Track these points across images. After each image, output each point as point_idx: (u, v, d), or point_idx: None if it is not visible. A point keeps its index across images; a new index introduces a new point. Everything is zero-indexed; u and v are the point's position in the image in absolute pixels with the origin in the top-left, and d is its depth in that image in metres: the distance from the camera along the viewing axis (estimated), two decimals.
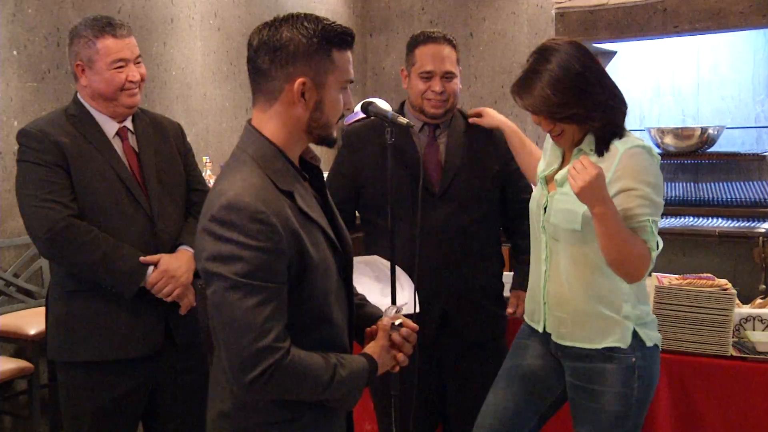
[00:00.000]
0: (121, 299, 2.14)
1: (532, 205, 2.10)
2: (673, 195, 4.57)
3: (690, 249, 4.12)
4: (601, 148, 1.93)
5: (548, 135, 2.06)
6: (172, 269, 2.15)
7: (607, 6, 4.37)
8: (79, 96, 2.22)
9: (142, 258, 2.13)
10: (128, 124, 2.25)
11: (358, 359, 1.55)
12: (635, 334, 1.96)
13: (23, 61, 3.49)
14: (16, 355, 3.28)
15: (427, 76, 2.33)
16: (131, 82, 2.16)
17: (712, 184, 4.52)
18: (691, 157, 4.47)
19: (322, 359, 1.47)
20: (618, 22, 4.41)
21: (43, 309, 3.36)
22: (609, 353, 1.95)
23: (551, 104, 1.88)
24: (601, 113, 1.90)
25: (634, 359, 1.95)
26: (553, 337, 2.03)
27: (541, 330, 2.07)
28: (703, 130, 4.35)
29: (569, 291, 1.98)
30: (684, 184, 4.59)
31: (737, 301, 2.40)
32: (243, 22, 4.70)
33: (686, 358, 2.35)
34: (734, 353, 2.33)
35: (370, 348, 1.61)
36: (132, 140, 2.24)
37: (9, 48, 3.43)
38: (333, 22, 1.50)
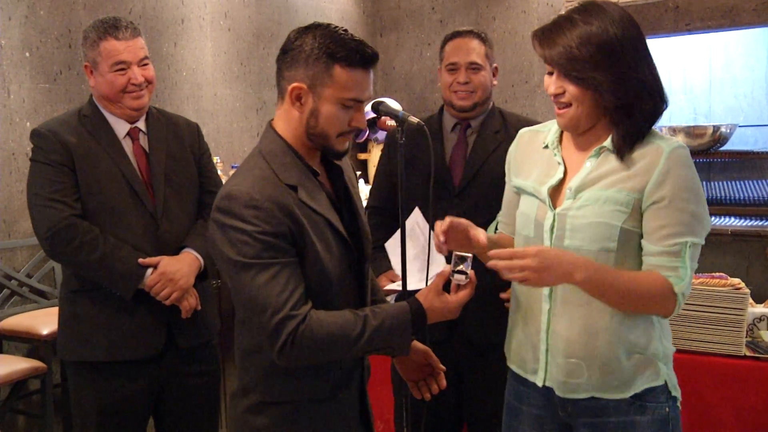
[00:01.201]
0: (123, 300, 2.14)
1: (526, 229, 1.68)
2: None
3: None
4: (629, 145, 1.58)
5: (516, 142, 1.80)
6: (170, 272, 2.13)
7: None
8: (93, 97, 2.23)
9: (141, 260, 2.12)
10: (140, 124, 2.25)
11: (397, 304, 1.57)
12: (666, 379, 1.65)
13: (35, 63, 3.51)
14: (30, 355, 3.30)
15: (453, 68, 2.37)
16: (134, 84, 2.15)
17: (725, 183, 4.49)
18: (703, 155, 4.43)
19: (351, 314, 1.52)
20: None
21: (55, 309, 3.39)
22: (640, 402, 1.61)
23: (572, 58, 1.55)
24: (626, 92, 1.56)
25: (667, 409, 1.63)
26: (559, 392, 1.65)
27: (540, 384, 1.67)
28: (716, 128, 4.32)
29: (585, 331, 1.60)
30: None
31: (750, 300, 2.39)
32: (253, 23, 4.71)
33: (699, 358, 2.34)
34: (747, 353, 2.32)
35: (420, 293, 1.60)
36: (143, 141, 2.24)
37: (21, 50, 3.45)
38: (351, 40, 1.52)
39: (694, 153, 4.41)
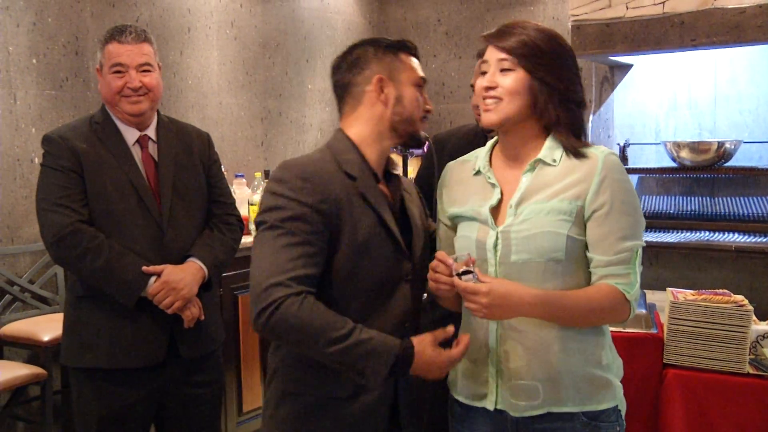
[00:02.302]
0: (126, 308, 2.13)
1: (466, 251, 1.59)
2: (689, 209, 4.53)
3: (706, 264, 4.08)
4: (568, 150, 1.58)
5: (443, 176, 1.75)
6: (173, 281, 2.13)
7: (624, 19, 4.36)
8: (104, 104, 2.25)
9: (144, 268, 2.12)
10: (150, 132, 2.25)
11: (388, 337, 1.53)
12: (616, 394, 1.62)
13: (42, 70, 3.52)
14: (30, 361, 3.29)
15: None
16: (130, 88, 2.16)
17: (729, 199, 4.48)
18: (707, 171, 4.42)
19: (342, 319, 1.50)
20: (635, 36, 4.39)
21: (57, 315, 3.40)
22: (594, 422, 1.57)
23: (529, 44, 1.56)
24: (564, 93, 1.57)
25: (618, 428, 1.61)
26: (513, 413, 1.59)
27: (492, 407, 1.61)
28: (720, 144, 4.31)
29: (535, 349, 1.55)
30: (700, 199, 4.55)
31: (754, 317, 2.38)
32: (259, 32, 4.73)
33: (702, 375, 2.32)
34: (751, 371, 2.30)
35: (417, 336, 1.57)
36: (152, 149, 2.25)
37: (28, 56, 3.47)
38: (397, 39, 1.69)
39: (699, 168, 4.41)
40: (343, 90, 1.68)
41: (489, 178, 1.65)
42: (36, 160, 3.46)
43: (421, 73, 1.69)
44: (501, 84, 1.58)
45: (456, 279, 1.50)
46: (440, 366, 1.55)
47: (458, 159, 1.78)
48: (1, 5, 3.35)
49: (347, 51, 1.69)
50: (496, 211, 1.61)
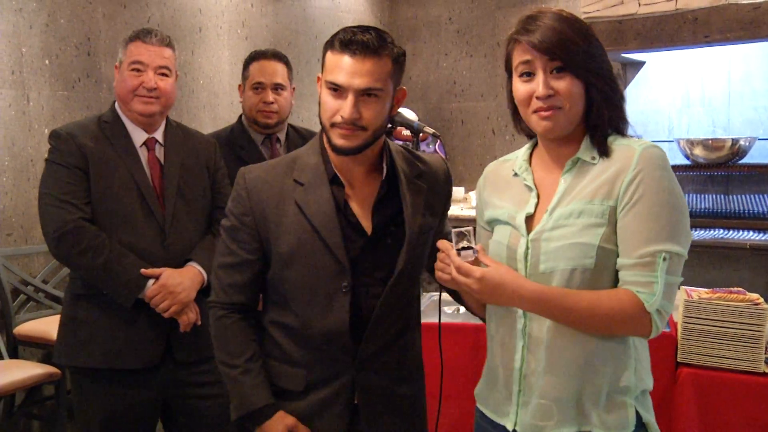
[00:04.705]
0: (124, 309, 2.13)
1: (498, 257, 1.52)
2: (703, 207, 4.50)
3: (720, 262, 4.05)
4: (604, 149, 1.46)
5: (483, 177, 1.66)
6: (171, 285, 2.12)
7: (636, 16, 4.33)
8: (116, 104, 2.26)
9: (143, 270, 2.12)
10: (158, 135, 2.26)
11: (263, 395, 1.63)
12: (639, 418, 1.47)
13: (54, 70, 3.54)
14: (44, 360, 3.31)
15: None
16: (145, 88, 2.17)
17: (743, 196, 4.45)
18: (721, 168, 4.39)
19: (242, 350, 1.65)
20: (647, 32, 4.37)
21: None
22: None
23: (565, 38, 1.42)
24: (608, 86, 1.46)
25: None
26: None
27: (510, 427, 1.52)
28: (735, 141, 4.28)
29: (559, 370, 1.45)
30: (714, 196, 4.52)
31: None
32: (270, 31, 4.73)
33: (716, 374, 2.30)
34: (766, 370, 2.28)
35: (281, 414, 1.64)
36: (159, 151, 2.25)
37: (41, 57, 3.49)
38: (352, 29, 1.56)
39: (713, 166, 4.38)
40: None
41: (525, 180, 1.55)
42: None
43: (332, 75, 1.56)
44: (558, 89, 1.43)
45: (453, 254, 1.44)
46: None
47: (500, 158, 1.68)
48: (15, 7, 3.37)
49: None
50: (531, 218, 1.51)
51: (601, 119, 1.46)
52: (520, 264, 1.48)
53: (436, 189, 1.72)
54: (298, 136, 2.84)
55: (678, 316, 2.46)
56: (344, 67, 1.52)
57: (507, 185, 1.58)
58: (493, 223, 1.60)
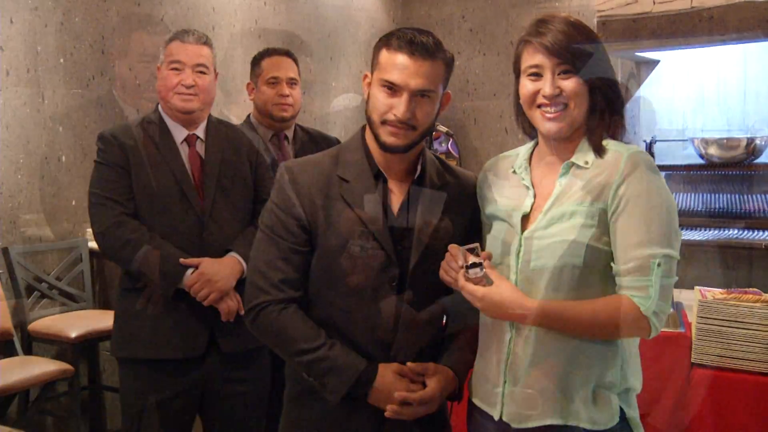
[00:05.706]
0: (167, 300, 2.19)
1: (494, 253, 1.57)
2: (718, 206, 4.47)
3: (735, 262, 4.02)
4: (599, 153, 1.51)
5: (483, 172, 1.70)
6: (209, 273, 2.17)
7: (651, 14, 4.30)
8: (158, 105, 2.34)
9: (182, 260, 2.18)
10: (200, 132, 2.33)
11: (355, 357, 1.57)
12: (622, 414, 1.51)
13: (69, 69, 3.57)
14: (58, 357, 3.33)
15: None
16: (183, 85, 2.24)
17: (759, 196, 4.41)
18: (736, 168, 4.36)
19: (316, 332, 1.58)
20: (662, 30, 4.34)
21: (84, 312, 3.45)
22: None
23: (574, 42, 1.48)
24: (612, 91, 1.52)
25: None
26: (514, 424, 1.54)
27: (497, 417, 1.56)
28: (750, 140, 4.25)
29: (544, 361, 1.50)
30: (729, 196, 4.49)
31: None
32: (283, 30, 4.74)
33: (730, 375, 2.29)
34: None
35: (383, 364, 1.59)
36: (200, 147, 2.33)
37: (56, 56, 3.51)
38: (410, 30, 1.60)
39: (728, 165, 4.34)
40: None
41: (523, 179, 1.59)
42: (63, 158, 3.51)
43: (388, 73, 1.58)
44: (564, 88, 1.48)
45: (461, 272, 1.49)
46: (388, 396, 1.55)
47: (500, 155, 1.72)
48: (30, 6, 3.40)
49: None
50: (528, 214, 1.55)
51: (600, 123, 1.52)
52: (513, 260, 1.54)
53: (460, 200, 1.70)
54: (306, 135, 2.90)
55: (692, 317, 2.44)
56: (402, 67, 1.55)
57: (505, 181, 1.64)
58: (491, 218, 1.65)
